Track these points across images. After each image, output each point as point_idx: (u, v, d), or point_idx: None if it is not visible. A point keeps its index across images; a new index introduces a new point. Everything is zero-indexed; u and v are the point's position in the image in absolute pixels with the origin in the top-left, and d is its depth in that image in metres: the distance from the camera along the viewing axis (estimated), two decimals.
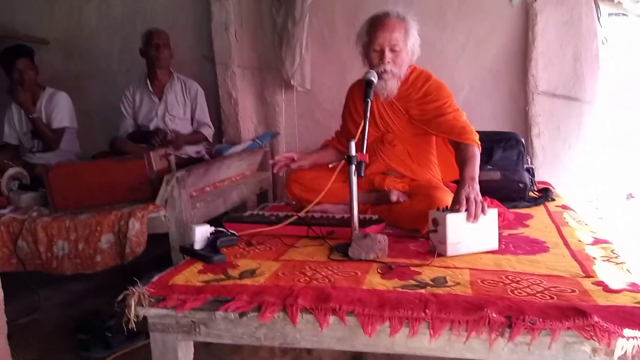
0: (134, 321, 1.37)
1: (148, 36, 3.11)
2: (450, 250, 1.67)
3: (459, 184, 1.86)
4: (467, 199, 1.72)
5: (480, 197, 1.76)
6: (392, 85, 2.14)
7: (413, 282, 1.44)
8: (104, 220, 2.14)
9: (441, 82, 2.23)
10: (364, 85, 2.00)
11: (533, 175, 2.67)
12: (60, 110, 3.16)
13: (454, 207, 1.75)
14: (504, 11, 3.29)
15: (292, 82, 3.36)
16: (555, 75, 3.21)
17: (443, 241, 1.67)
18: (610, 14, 4.03)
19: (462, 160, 1.98)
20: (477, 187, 1.82)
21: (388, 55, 2.08)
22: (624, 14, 3.96)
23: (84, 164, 2.56)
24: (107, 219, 2.14)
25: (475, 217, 1.69)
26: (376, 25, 2.11)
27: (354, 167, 1.74)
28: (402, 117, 2.22)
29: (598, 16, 3.24)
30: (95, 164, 2.47)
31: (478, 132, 2.77)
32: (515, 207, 2.42)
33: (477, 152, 2.00)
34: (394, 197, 2.14)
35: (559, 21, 3.18)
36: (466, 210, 1.70)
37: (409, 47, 2.12)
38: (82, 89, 3.62)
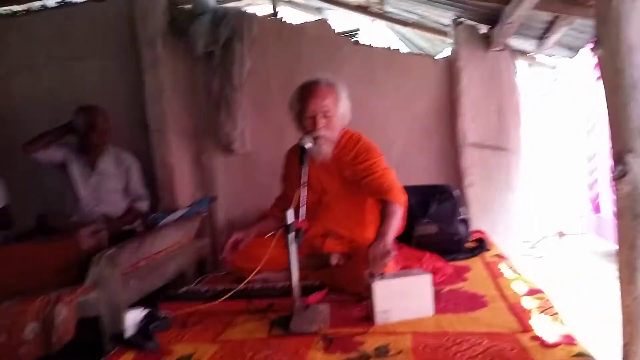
0: None
1: (88, 120, 2.99)
2: (380, 319, 1.65)
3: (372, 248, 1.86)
4: (374, 257, 1.76)
5: (386, 249, 1.80)
6: (326, 149, 2.20)
7: (356, 354, 1.42)
8: (27, 309, 1.98)
9: (370, 142, 2.31)
10: (299, 151, 2.03)
11: (468, 226, 2.75)
12: None
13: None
14: (429, 69, 3.48)
15: (233, 146, 3.36)
16: (482, 127, 3.38)
17: (372, 309, 1.66)
18: (530, 65, 4.35)
19: (381, 218, 2.05)
20: (386, 241, 1.87)
21: (321, 121, 2.15)
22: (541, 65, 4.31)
23: (5, 249, 2.38)
24: (32, 306, 1.98)
25: (377, 271, 1.72)
26: (307, 93, 2.18)
27: (292, 235, 1.72)
28: (337, 178, 2.25)
29: (515, 71, 3.48)
30: (17, 248, 2.28)
31: (412, 186, 2.85)
32: (454, 259, 2.46)
33: (397, 209, 2.07)
34: (334, 261, 2.14)
35: (481, 77, 3.38)
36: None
37: (340, 111, 2.20)
38: (7, 162, 3.44)
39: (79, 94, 3.38)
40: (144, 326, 1.60)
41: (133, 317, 1.61)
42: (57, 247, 2.10)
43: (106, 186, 3.08)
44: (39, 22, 3.63)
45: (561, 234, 5.07)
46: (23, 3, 3.73)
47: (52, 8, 3.71)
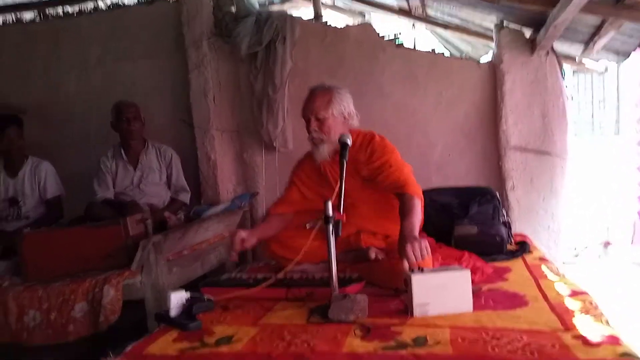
0: None
1: (117, 110, 3.15)
2: (418, 312, 1.65)
3: (399, 239, 1.87)
4: (410, 253, 1.75)
5: (419, 242, 1.78)
6: (323, 149, 2.24)
7: (394, 343, 1.42)
8: (77, 288, 2.09)
9: (383, 138, 2.33)
10: (339, 149, 2.07)
11: (510, 229, 2.70)
12: (49, 180, 3.18)
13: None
14: (472, 72, 3.45)
15: (274, 144, 3.44)
16: (525, 130, 3.33)
17: (410, 302, 1.66)
18: (574, 71, 4.25)
19: (402, 213, 2.02)
20: (416, 235, 1.87)
21: (313, 123, 2.23)
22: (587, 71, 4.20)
23: (58, 232, 2.52)
24: (82, 286, 2.09)
25: (415, 264, 1.74)
26: (306, 99, 2.29)
27: (331, 226, 1.75)
28: (357, 179, 2.27)
29: (562, 75, 3.41)
30: (70, 232, 2.43)
31: (453, 187, 2.83)
32: (493, 260, 2.42)
33: (416, 202, 2.05)
34: (372, 255, 2.15)
35: (525, 80, 3.33)
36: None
37: (334, 114, 2.23)
38: (59, 156, 3.61)
39: (127, 93, 3.52)
40: (188, 307, 1.65)
41: (177, 298, 1.67)
42: (105, 232, 2.20)
43: (149, 180, 3.19)
44: (90, 24, 3.82)
45: (606, 244, 4.90)
46: (75, 4, 3.91)
47: (103, 10, 3.88)
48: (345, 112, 2.27)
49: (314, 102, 2.24)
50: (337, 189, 1.90)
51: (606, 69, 4.38)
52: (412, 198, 2.07)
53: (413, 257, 1.76)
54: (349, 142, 2.07)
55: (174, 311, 1.66)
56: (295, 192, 2.43)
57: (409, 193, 2.09)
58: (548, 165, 3.33)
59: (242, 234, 2.13)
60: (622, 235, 5.00)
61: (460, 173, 3.37)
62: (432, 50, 3.70)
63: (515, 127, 3.32)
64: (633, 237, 4.88)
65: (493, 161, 3.38)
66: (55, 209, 3.19)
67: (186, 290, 1.75)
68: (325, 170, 2.33)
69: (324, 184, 2.34)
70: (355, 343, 1.43)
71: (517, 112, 3.32)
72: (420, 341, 1.43)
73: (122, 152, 3.20)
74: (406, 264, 1.89)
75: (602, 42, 3.18)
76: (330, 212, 1.76)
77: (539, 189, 3.32)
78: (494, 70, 3.38)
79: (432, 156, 3.48)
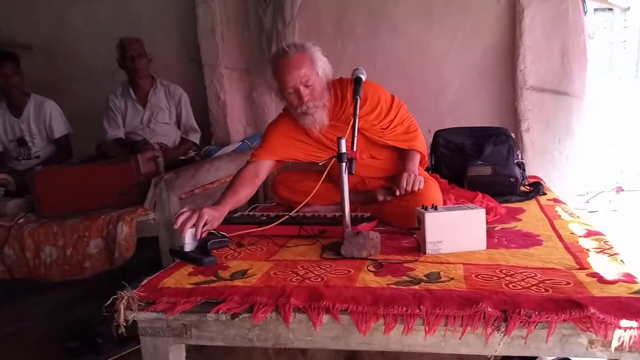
0: (123, 326, 1.34)
1: (122, 47, 3.07)
2: (430, 249, 1.64)
3: (400, 174, 2.04)
4: (407, 179, 1.97)
5: (419, 178, 2.00)
6: (321, 116, 2.04)
7: (407, 279, 1.42)
8: (92, 225, 2.11)
9: (377, 87, 2.18)
10: (353, 83, 1.98)
11: (524, 170, 2.66)
12: (55, 119, 3.16)
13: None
14: (490, 8, 3.30)
15: None
16: (543, 70, 3.23)
17: (423, 240, 1.66)
18: (596, 9, 4.06)
19: (405, 157, 2.18)
20: (415, 171, 2.09)
21: (304, 92, 1.97)
22: (609, 9, 4.00)
23: (70, 169, 2.52)
24: (96, 223, 2.11)
25: (404, 191, 1.96)
26: (281, 68, 1.98)
27: (344, 164, 1.72)
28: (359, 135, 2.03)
29: (584, 11, 3.26)
30: (82, 169, 2.43)
31: (466, 127, 2.78)
32: (507, 201, 2.40)
33: (418, 155, 2.20)
34: (380, 197, 2.12)
35: (545, 16, 3.19)
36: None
37: (320, 74, 2.02)
38: (66, 93, 3.58)
39: (133, 28, 3.43)
40: (202, 243, 1.66)
41: (192, 234, 1.67)
42: (117, 170, 2.20)
43: (159, 119, 3.16)
44: None
45: (619, 190, 4.86)
46: None
47: None
48: (326, 69, 2.05)
49: (299, 68, 1.94)
50: (350, 128, 1.85)
51: (629, 7, 4.19)
52: (417, 154, 2.18)
53: (404, 183, 1.95)
54: (363, 77, 1.99)
55: (188, 246, 1.67)
56: (273, 156, 2.16)
57: (415, 148, 2.18)
58: (565, 105, 3.25)
59: (207, 214, 1.75)
60: (635, 182, 4.95)
61: (475, 113, 3.31)
62: None
63: (533, 66, 3.22)
64: None
65: (509, 101, 3.31)
66: (64, 148, 3.19)
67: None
68: (315, 134, 2.11)
69: (318, 147, 2.15)
70: (368, 278, 1.43)
71: (535, 50, 3.21)
72: (433, 277, 1.43)
73: (131, 90, 3.15)
74: (381, 195, 2.10)
75: None
76: (344, 149, 1.73)
77: (555, 130, 3.26)
78: (514, 4, 3.24)
79: (446, 96, 3.40)
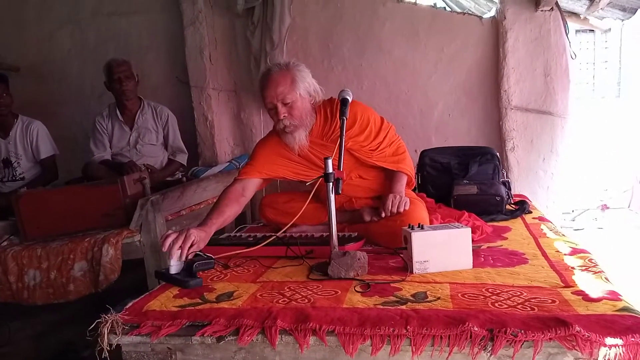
0: (107, 350, 1.31)
1: (109, 70, 3.06)
2: (417, 269, 1.65)
3: (386, 196, 2.06)
4: (392, 200, 1.99)
5: (405, 200, 2.02)
6: (300, 135, 2.05)
7: (394, 299, 1.42)
8: (77, 248, 2.08)
9: (366, 109, 2.19)
10: (340, 106, 1.99)
11: (509, 189, 2.69)
12: (42, 139, 3.13)
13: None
14: (474, 29, 3.37)
15: None
16: (527, 90, 3.29)
17: (410, 259, 1.66)
18: (577, 31, 4.15)
19: (392, 178, 2.20)
20: (402, 192, 2.11)
21: (281, 110, 1.99)
22: (591, 30, 4.10)
23: (56, 190, 2.50)
24: (80, 246, 2.09)
25: (389, 213, 1.99)
26: (263, 84, 2.03)
27: (331, 184, 1.73)
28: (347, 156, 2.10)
29: (566, 32, 3.33)
30: (67, 190, 2.41)
31: (453, 147, 2.81)
32: (492, 220, 2.42)
33: (405, 177, 2.22)
34: (367, 217, 2.13)
35: (528, 37, 3.26)
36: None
37: (301, 94, 2.03)
38: (53, 114, 3.57)
39: (122, 49, 3.45)
40: (188, 265, 1.65)
41: (177, 256, 1.66)
42: (103, 192, 2.18)
43: (146, 140, 3.15)
44: None
45: (604, 207, 4.91)
46: None
47: None
48: (310, 89, 2.06)
49: (277, 86, 1.97)
50: (336, 148, 1.87)
51: (610, 29, 4.30)
52: (404, 175, 2.20)
53: (390, 204, 1.98)
54: (349, 97, 2.01)
55: (174, 269, 1.65)
56: (260, 173, 2.15)
57: (401, 170, 2.20)
58: (549, 125, 3.30)
59: (193, 235, 1.72)
60: (619, 199, 5.01)
61: (461, 133, 3.35)
62: (434, 5, 3.60)
63: (516, 86, 3.28)
64: (630, 201, 4.90)
65: (494, 121, 3.35)
66: (50, 169, 3.16)
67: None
68: (304, 152, 2.12)
69: (306, 165, 2.16)
70: (355, 298, 1.43)
71: (519, 70, 3.27)
72: (420, 296, 1.43)
73: (118, 112, 3.14)
74: (367, 215, 2.14)
75: None
76: (330, 169, 1.74)
77: (539, 149, 3.31)
78: (497, 26, 3.31)
79: (432, 116, 3.45)
